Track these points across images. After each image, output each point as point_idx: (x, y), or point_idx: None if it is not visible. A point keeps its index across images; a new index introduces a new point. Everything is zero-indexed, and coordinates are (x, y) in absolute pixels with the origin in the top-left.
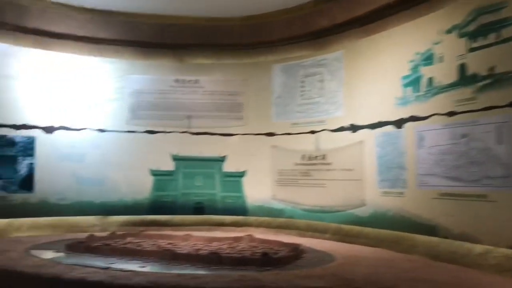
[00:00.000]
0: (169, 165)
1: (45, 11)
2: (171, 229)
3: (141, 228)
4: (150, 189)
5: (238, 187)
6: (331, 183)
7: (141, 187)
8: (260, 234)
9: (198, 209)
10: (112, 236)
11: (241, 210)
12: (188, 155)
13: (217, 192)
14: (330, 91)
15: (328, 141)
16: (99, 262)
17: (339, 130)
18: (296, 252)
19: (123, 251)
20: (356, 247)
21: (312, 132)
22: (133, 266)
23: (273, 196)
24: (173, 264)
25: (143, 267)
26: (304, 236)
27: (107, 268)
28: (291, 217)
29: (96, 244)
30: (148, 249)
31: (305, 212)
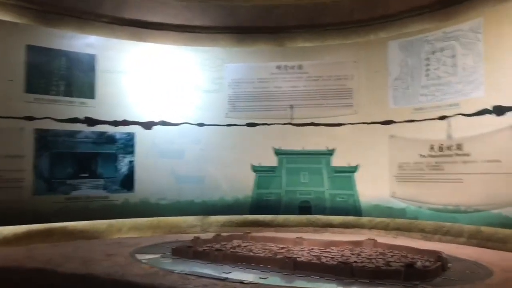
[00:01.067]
0: (272, 161)
1: (142, 0)
2: (275, 230)
3: (246, 229)
4: (252, 186)
5: (349, 184)
6: (470, 178)
7: (243, 184)
8: (377, 237)
9: (304, 208)
10: (218, 238)
11: (352, 209)
12: (292, 149)
13: (325, 189)
14: (465, 67)
15: (464, 128)
16: (213, 270)
17: (479, 114)
18: (441, 262)
19: (235, 258)
20: (507, 254)
21: (442, 117)
22: (252, 276)
23: (392, 193)
24: (297, 275)
25: (265, 278)
26: (431, 240)
27: (224, 280)
28: (415, 218)
29: (203, 248)
30: (264, 255)
31: (433, 212)
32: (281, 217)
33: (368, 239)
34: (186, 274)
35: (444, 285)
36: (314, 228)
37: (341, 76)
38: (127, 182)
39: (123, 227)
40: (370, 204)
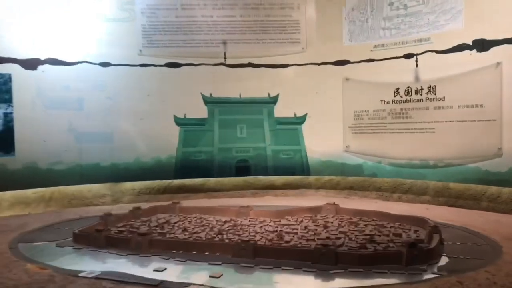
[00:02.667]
0: (201, 111)
1: None
2: (206, 196)
3: (170, 198)
4: (176, 144)
5: (295, 138)
6: (443, 127)
7: (164, 142)
8: (325, 198)
9: (242, 168)
10: (136, 213)
11: (299, 168)
12: (226, 96)
13: (267, 145)
14: None
15: (438, 67)
16: (139, 267)
17: (455, 50)
18: (439, 235)
19: (169, 244)
20: (487, 214)
21: (409, 55)
22: (198, 273)
23: (346, 147)
24: (260, 266)
25: (218, 276)
26: (389, 199)
27: (159, 285)
28: (372, 174)
29: (119, 229)
30: (206, 238)
31: (394, 167)
32: (213, 180)
33: (328, 204)
34: (98, 278)
35: (460, 269)
36: (253, 191)
37: (286, 4)
38: (3, 142)
39: (1, 202)
40: (319, 161)
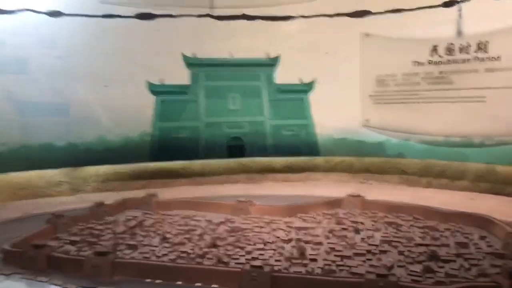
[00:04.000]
0: (182, 76)
1: None
2: (190, 183)
3: (145, 186)
4: (152, 118)
5: (301, 110)
6: (497, 95)
7: (136, 115)
8: (338, 184)
9: (234, 148)
10: (98, 211)
11: (305, 147)
12: (214, 57)
13: (266, 119)
14: None
15: (489, 17)
16: None
17: None
18: None
19: (140, 269)
20: None
21: (450, 3)
22: None
23: (366, 121)
24: None
25: None
26: (416, 184)
27: None
28: (398, 155)
29: (73, 240)
30: (198, 264)
31: (427, 146)
32: (198, 163)
33: (350, 195)
34: None
35: None
36: (248, 175)
37: None
38: None
39: None
40: (331, 139)
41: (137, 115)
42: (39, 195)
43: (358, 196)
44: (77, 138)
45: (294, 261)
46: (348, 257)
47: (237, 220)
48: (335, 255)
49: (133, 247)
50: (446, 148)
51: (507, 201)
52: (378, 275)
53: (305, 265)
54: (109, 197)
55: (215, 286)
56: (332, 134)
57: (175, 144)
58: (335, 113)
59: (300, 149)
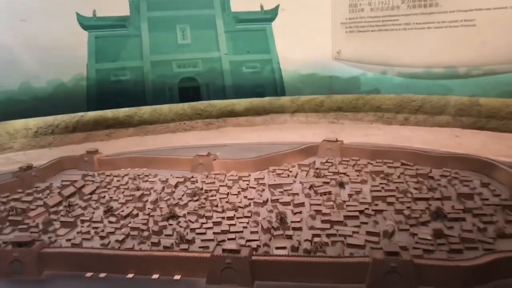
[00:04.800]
0: (119, 6)
1: None
2: (137, 132)
3: (83, 139)
4: (86, 59)
5: (263, 43)
6: (491, 18)
7: (66, 56)
8: (307, 126)
9: (187, 90)
10: (25, 177)
11: (270, 86)
12: None
13: (222, 55)
14: None
15: None
16: None
17: None
18: None
19: (78, 260)
20: None
21: None
22: None
23: (337, 54)
24: None
25: None
26: (391, 122)
27: None
28: (375, 90)
29: None
30: (153, 249)
31: (406, 80)
32: (146, 110)
33: (327, 140)
34: None
35: None
36: (205, 121)
37: None
38: None
39: None
40: (298, 75)
41: (67, 56)
42: None
43: (336, 141)
44: None
45: (274, 232)
46: (339, 223)
47: (198, 178)
48: (323, 221)
49: (69, 225)
50: (427, 80)
51: (494, 137)
52: (387, 253)
53: (289, 237)
54: (42, 156)
55: (177, 277)
56: (299, 70)
57: (117, 89)
58: (302, 45)
59: (263, 89)
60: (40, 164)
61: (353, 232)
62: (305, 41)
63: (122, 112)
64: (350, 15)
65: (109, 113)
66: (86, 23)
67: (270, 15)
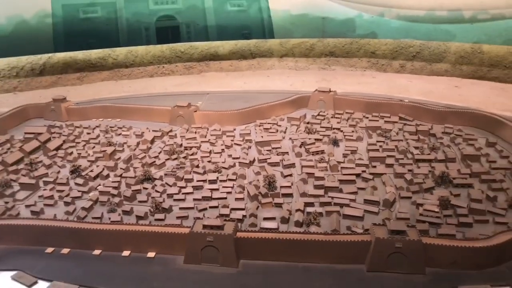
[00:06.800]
0: None
1: None
2: (111, 76)
3: (55, 83)
4: None
5: None
6: None
7: None
8: (296, 73)
9: (166, 30)
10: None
11: (257, 27)
12: None
13: None
14: None
15: None
16: None
17: None
18: None
19: (42, 233)
20: None
21: None
22: None
23: None
24: None
25: None
26: (386, 69)
27: None
28: (371, 34)
29: None
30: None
31: (405, 23)
32: (121, 51)
33: (320, 90)
34: None
35: None
36: (185, 64)
37: None
38: None
39: None
40: (288, 16)
41: None
42: None
43: (329, 91)
44: None
45: (262, 200)
46: (334, 189)
47: (177, 132)
48: (316, 186)
49: (30, 187)
50: (428, 25)
51: (496, 87)
52: (392, 232)
53: (278, 206)
54: (6, 102)
55: (151, 254)
56: (289, 10)
57: (87, 27)
58: None
59: (250, 30)
60: (2, 111)
61: (350, 200)
62: None
63: (94, 53)
64: None
65: (80, 54)
66: None
67: None
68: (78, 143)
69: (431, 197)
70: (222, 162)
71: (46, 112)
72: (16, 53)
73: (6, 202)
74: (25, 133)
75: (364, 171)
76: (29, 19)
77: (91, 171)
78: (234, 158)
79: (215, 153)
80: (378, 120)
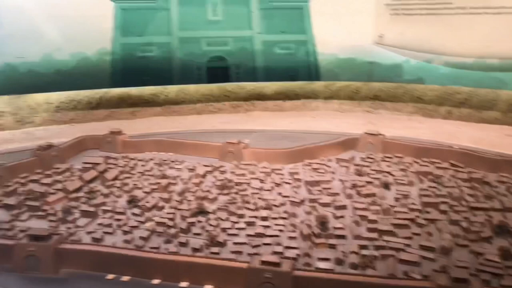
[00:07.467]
0: None
1: None
2: (162, 112)
3: (109, 116)
4: (112, 31)
5: (299, 23)
6: None
7: (91, 28)
8: (341, 115)
9: (216, 70)
10: (44, 157)
11: (304, 69)
12: None
13: (255, 34)
14: None
15: None
16: None
17: None
18: None
19: (97, 259)
20: None
21: None
22: None
23: (380, 38)
24: None
25: None
26: (433, 115)
27: None
28: (417, 80)
29: (6, 203)
30: (180, 254)
31: (454, 70)
32: (173, 89)
33: (368, 133)
34: None
35: None
36: (233, 103)
37: None
38: None
39: None
40: (335, 59)
41: (92, 28)
42: None
43: (378, 134)
44: (15, 56)
45: (315, 240)
46: (388, 232)
47: (227, 168)
48: (369, 229)
49: (90, 215)
50: (478, 72)
51: None
52: (455, 280)
53: (332, 247)
54: (63, 132)
55: (209, 287)
56: (336, 54)
57: (143, 65)
58: (341, 27)
59: (296, 72)
60: (61, 141)
61: (405, 245)
62: (344, 23)
63: (147, 90)
64: None
65: (133, 90)
66: None
67: None
68: (134, 174)
69: (490, 247)
70: (273, 200)
71: (102, 143)
72: (75, 87)
73: (69, 228)
74: (83, 162)
75: (418, 216)
76: (90, 56)
77: (147, 202)
78: (284, 196)
79: (265, 190)
80: (428, 166)
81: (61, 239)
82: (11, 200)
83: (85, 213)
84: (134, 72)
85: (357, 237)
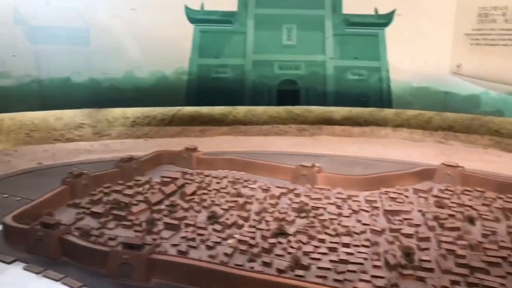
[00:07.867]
0: (229, 0)
1: None
2: (231, 131)
3: (180, 134)
4: (190, 52)
5: (373, 49)
6: None
7: (170, 48)
8: (411, 144)
9: (287, 93)
10: (126, 169)
11: (376, 95)
12: None
13: (328, 58)
14: None
15: None
16: None
17: None
18: None
19: (186, 271)
20: None
21: None
22: None
23: (457, 68)
24: None
25: None
26: (508, 150)
27: None
28: (496, 112)
29: (95, 211)
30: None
31: None
32: (242, 110)
33: (445, 164)
34: None
35: None
36: (298, 126)
37: None
38: None
39: None
40: (408, 87)
41: (172, 48)
42: (56, 138)
43: (457, 166)
44: (100, 73)
45: (402, 271)
46: (479, 269)
47: (301, 191)
48: (459, 264)
49: (173, 228)
50: None
51: None
52: None
53: (420, 280)
54: (138, 146)
55: None
56: (410, 82)
57: (216, 85)
58: (417, 55)
59: (368, 98)
60: (137, 155)
61: (500, 284)
62: (420, 51)
63: (217, 109)
64: (478, 25)
65: (204, 109)
66: (193, 16)
67: (384, 20)
68: (210, 191)
69: None
70: (353, 227)
71: (177, 159)
72: (152, 104)
73: (154, 239)
74: (162, 176)
75: (510, 255)
76: (168, 75)
77: (227, 219)
78: (363, 224)
79: (343, 216)
80: (509, 198)
81: (152, 249)
82: (98, 208)
83: (168, 226)
84: (208, 91)
85: (446, 271)
